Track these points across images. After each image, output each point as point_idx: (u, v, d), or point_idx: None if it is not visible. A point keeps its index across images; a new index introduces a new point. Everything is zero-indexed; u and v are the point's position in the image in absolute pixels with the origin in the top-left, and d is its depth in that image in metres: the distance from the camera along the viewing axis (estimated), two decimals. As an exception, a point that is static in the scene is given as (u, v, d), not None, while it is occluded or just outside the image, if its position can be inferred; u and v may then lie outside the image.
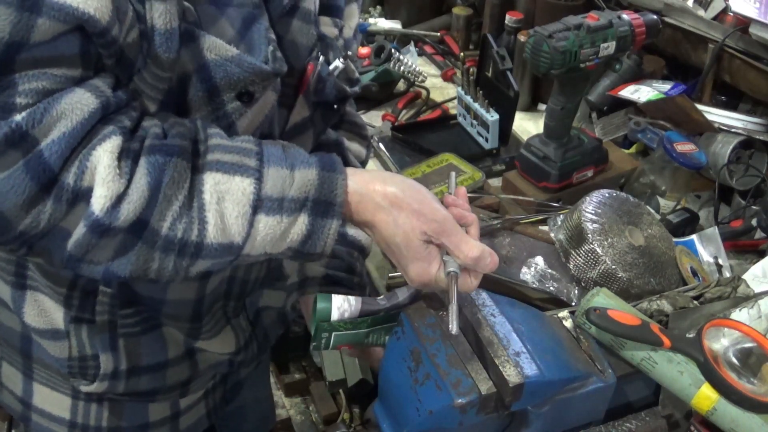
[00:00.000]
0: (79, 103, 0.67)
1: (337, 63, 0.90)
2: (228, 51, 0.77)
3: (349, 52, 0.93)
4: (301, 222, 0.77)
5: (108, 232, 0.69)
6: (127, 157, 0.70)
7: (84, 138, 0.68)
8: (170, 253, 0.73)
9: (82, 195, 0.68)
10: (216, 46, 0.76)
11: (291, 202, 0.76)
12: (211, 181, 0.73)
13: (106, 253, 0.71)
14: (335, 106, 0.96)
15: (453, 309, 0.80)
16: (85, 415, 0.97)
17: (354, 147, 1.11)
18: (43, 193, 0.67)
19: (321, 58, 0.89)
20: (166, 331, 0.94)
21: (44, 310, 0.90)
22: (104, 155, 0.68)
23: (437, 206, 0.81)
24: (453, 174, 0.94)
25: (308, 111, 0.92)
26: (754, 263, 1.30)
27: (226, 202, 0.73)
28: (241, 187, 0.74)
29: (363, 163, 1.13)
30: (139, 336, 0.92)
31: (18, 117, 0.65)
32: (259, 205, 0.74)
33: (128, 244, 0.71)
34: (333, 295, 0.91)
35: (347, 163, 1.06)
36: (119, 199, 0.69)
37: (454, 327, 0.79)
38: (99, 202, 0.68)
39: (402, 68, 1.96)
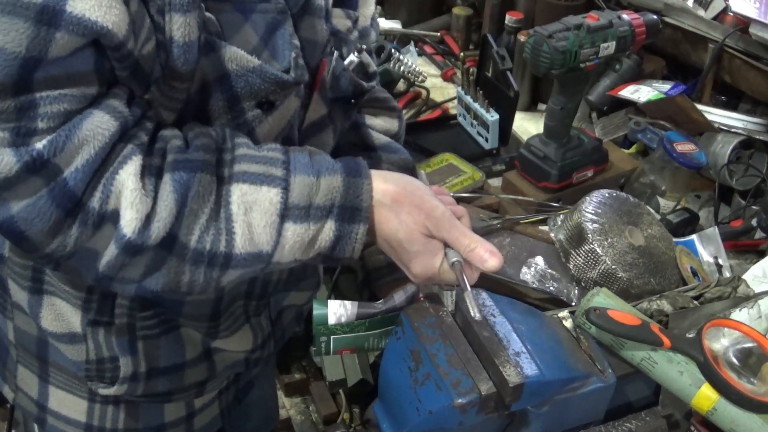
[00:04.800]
0: (100, 127, 0.68)
1: (352, 57, 0.90)
2: (249, 62, 0.77)
3: (363, 46, 0.92)
4: (329, 228, 0.77)
5: (140, 252, 0.70)
6: (150, 174, 0.71)
7: (104, 160, 0.68)
8: (200, 265, 0.73)
9: (108, 217, 0.69)
10: (237, 57, 0.76)
11: (317, 209, 0.76)
12: (238, 192, 0.74)
13: (138, 270, 0.72)
14: (353, 101, 0.95)
15: (470, 296, 0.81)
16: (102, 418, 0.97)
17: (379, 122, 1.09)
18: (68, 218, 0.68)
19: (335, 53, 0.88)
20: (184, 332, 0.94)
21: (61, 315, 0.90)
22: (128, 179, 0.68)
23: (436, 202, 0.81)
24: (422, 172, 0.95)
25: (325, 108, 0.92)
26: (754, 263, 1.30)
27: (254, 213, 0.74)
28: (268, 197, 0.74)
29: (397, 137, 1.11)
30: (158, 338, 0.92)
31: (39, 145, 0.65)
32: (286, 214, 0.75)
33: (159, 259, 0.72)
34: (329, 300, 0.92)
35: (369, 144, 1.06)
36: (149, 219, 0.69)
37: (476, 313, 0.81)
38: (130, 224, 0.69)
39: (402, 68, 1.96)
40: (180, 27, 0.71)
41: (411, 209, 0.80)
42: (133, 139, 0.71)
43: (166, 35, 0.71)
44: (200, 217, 0.72)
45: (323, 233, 0.77)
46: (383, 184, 0.80)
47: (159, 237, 0.70)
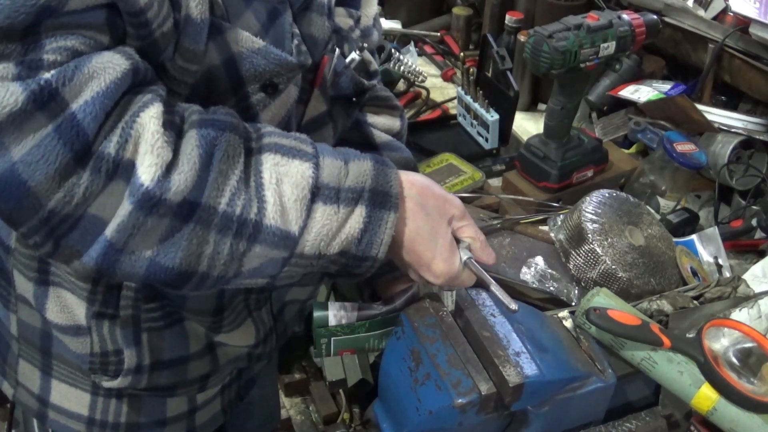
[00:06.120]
0: (111, 62, 0.64)
1: (354, 55, 0.90)
2: (255, 43, 0.77)
3: (365, 44, 0.92)
4: (359, 214, 0.75)
5: (157, 208, 0.65)
6: (171, 128, 0.67)
7: (118, 103, 0.65)
8: (227, 233, 0.69)
9: (124, 167, 0.64)
10: (243, 39, 0.76)
11: (348, 191, 0.75)
12: (270, 161, 0.72)
13: (153, 237, 0.67)
14: (354, 99, 0.95)
15: (498, 288, 0.82)
16: (104, 411, 0.96)
17: (381, 120, 1.09)
18: (77, 163, 0.63)
19: (336, 51, 0.88)
20: (188, 325, 0.93)
21: (66, 306, 0.89)
22: (150, 122, 0.65)
23: (453, 195, 0.83)
24: None
25: (325, 105, 0.92)
26: (754, 263, 1.30)
27: (285, 185, 0.72)
28: (300, 170, 0.72)
29: (399, 136, 1.11)
30: (163, 330, 0.91)
31: (47, 74, 0.61)
32: (317, 192, 0.73)
33: (178, 225, 0.67)
34: (329, 302, 0.92)
35: (371, 142, 1.06)
36: (169, 169, 0.65)
37: (512, 304, 0.81)
38: (148, 171, 0.64)
39: (402, 68, 1.96)
40: (198, 4, 0.71)
41: (436, 200, 0.80)
42: (152, 90, 0.68)
43: (182, 13, 0.70)
44: (230, 179, 0.69)
45: (352, 219, 0.75)
46: (406, 176, 0.80)
47: (179, 192, 0.66)
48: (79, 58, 0.63)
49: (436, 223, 0.80)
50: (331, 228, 0.74)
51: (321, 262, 0.77)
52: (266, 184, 0.71)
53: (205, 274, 0.71)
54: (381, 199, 0.76)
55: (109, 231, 0.66)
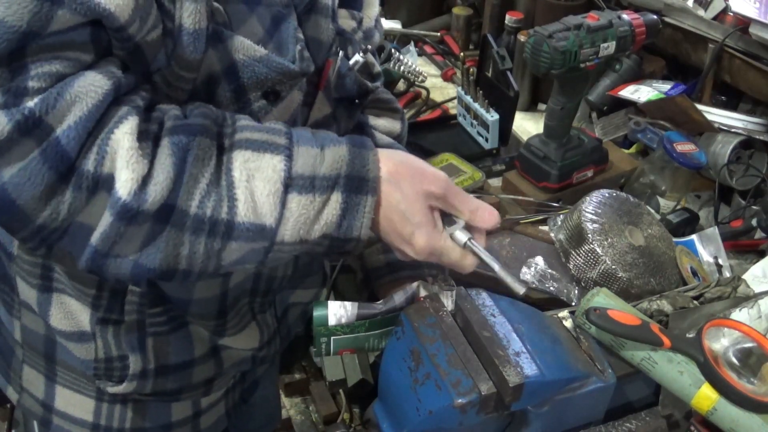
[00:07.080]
0: (92, 85, 0.66)
1: (357, 57, 0.90)
2: (256, 51, 0.77)
3: (369, 46, 0.92)
4: (335, 200, 0.75)
5: (136, 218, 0.68)
6: (147, 138, 0.69)
7: (99, 121, 0.67)
8: (200, 234, 0.71)
9: (103, 182, 0.67)
10: (244, 47, 0.76)
11: (323, 179, 0.75)
12: (240, 159, 0.72)
13: (134, 243, 0.70)
14: (357, 101, 0.95)
15: (504, 272, 0.81)
16: (109, 417, 0.96)
17: (382, 122, 1.09)
18: (61, 182, 0.66)
19: (340, 53, 0.88)
20: (193, 330, 0.93)
21: (70, 313, 0.89)
22: (124, 138, 0.67)
23: (435, 170, 0.82)
24: None
25: (329, 108, 0.92)
26: (754, 263, 1.30)
27: (257, 180, 0.72)
28: (271, 165, 0.73)
29: (399, 138, 1.11)
30: (167, 335, 0.92)
31: (30, 103, 0.64)
32: (290, 183, 0.73)
33: (156, 230, 0.70)
34: (329, 302, 0.92)
35: (374, 142, 1.07)
36: (145, 181, 0.68)
37: (519, 287, 0.81)
38: (125, 186, 0.67)
39: (402, 68, 1.96)
40: (191, 14, 0.71)
41: (412, 180, 0.79)
42: (128, 102, 0.69)
43: (176, 23, 0.71)
44: (200, 182, 0.70)
45: (329, 206, 0.75)
46: (382, 159, 0.80)
47: (156, 202, 0.68)
48: (62, 82, 0.65)
49: (411, 201, 0.79)
50: (309, 216, 0.75)
51: (305, 246, 0.77)
52: (236, 182, 0.72)
53: (186, 271, 0.73)
54: (357, 184, 0.76)
55: (94, 239, 0.69)
